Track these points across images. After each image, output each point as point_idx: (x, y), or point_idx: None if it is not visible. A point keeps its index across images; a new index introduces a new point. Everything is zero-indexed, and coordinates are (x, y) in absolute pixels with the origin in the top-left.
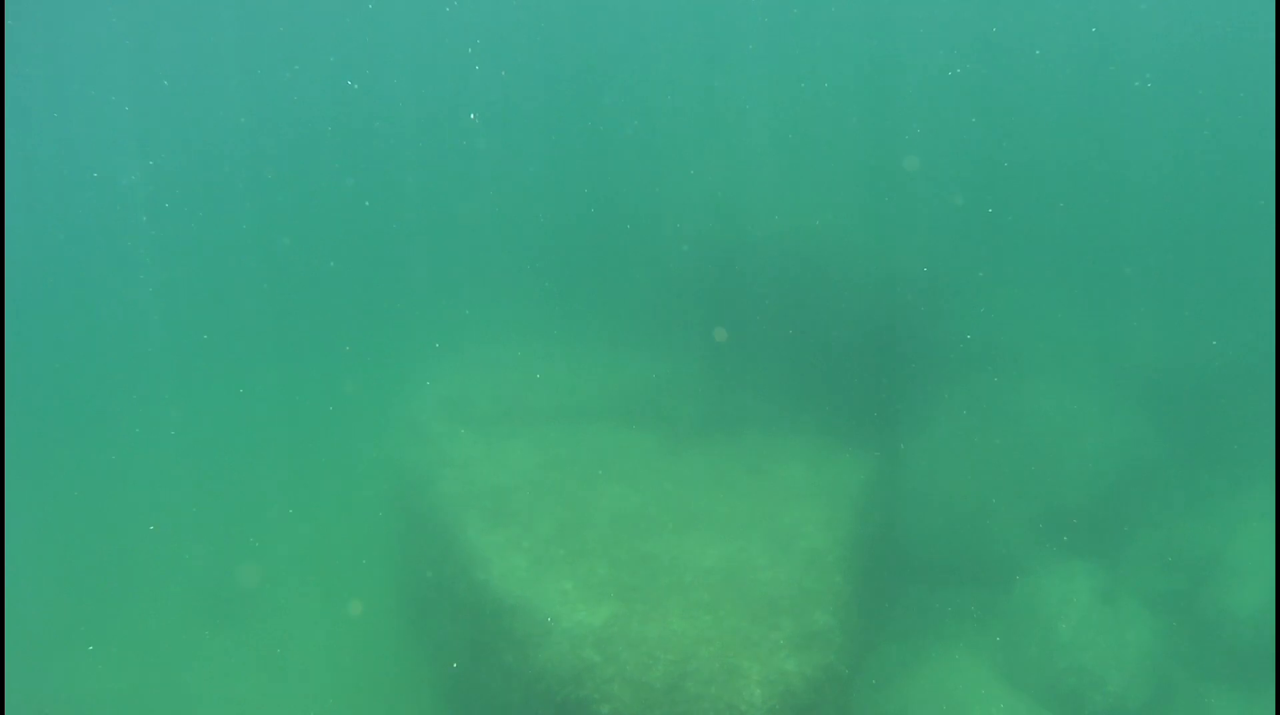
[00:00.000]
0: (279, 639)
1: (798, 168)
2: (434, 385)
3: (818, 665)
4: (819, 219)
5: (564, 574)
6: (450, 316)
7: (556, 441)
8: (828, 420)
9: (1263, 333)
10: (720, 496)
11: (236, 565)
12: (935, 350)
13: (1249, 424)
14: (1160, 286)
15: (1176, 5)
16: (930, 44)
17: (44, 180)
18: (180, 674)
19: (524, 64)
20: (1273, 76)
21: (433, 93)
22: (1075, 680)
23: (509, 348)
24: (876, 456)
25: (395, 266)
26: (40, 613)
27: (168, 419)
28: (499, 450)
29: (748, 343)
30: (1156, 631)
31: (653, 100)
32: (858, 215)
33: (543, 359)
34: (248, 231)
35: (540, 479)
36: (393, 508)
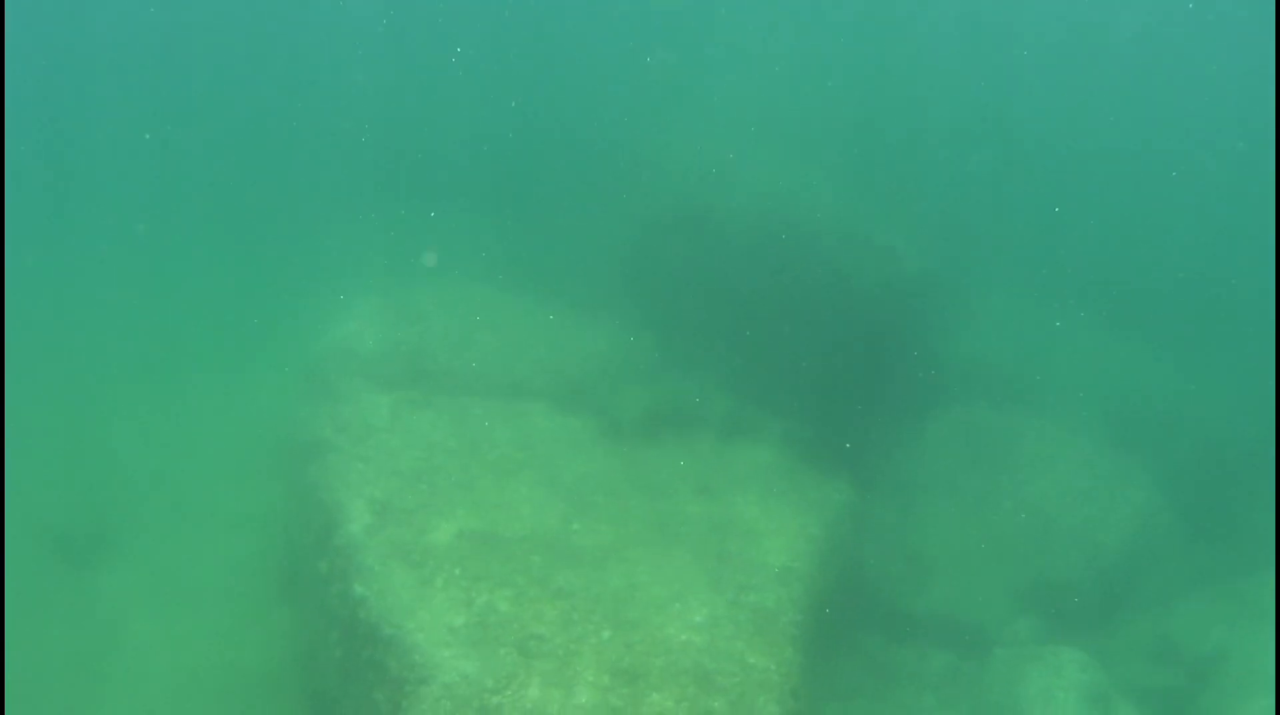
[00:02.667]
0: (126, 598)
1: (787, 134)
2: (346, 329)
3: None
4: (809, 194)
5: (456, 604)
6: (381, 249)
7: (477, 420)
8: (794, 432)
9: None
10: (659, 521)
11: (91, 505)
12: (927, 364)
13: (1263, 497)
14: (1182, 321)
15: None
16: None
17: None
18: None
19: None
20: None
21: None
22: None
23: (442, 297)
24: (847, 486)
25: (333, 183)
26: None
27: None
28: (406, 423)
29: (713, 329)
30: None
31: (640, 48)
32: (854, 197)
33: (479, 316)
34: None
35: (448, 467)
36: (272, 471)
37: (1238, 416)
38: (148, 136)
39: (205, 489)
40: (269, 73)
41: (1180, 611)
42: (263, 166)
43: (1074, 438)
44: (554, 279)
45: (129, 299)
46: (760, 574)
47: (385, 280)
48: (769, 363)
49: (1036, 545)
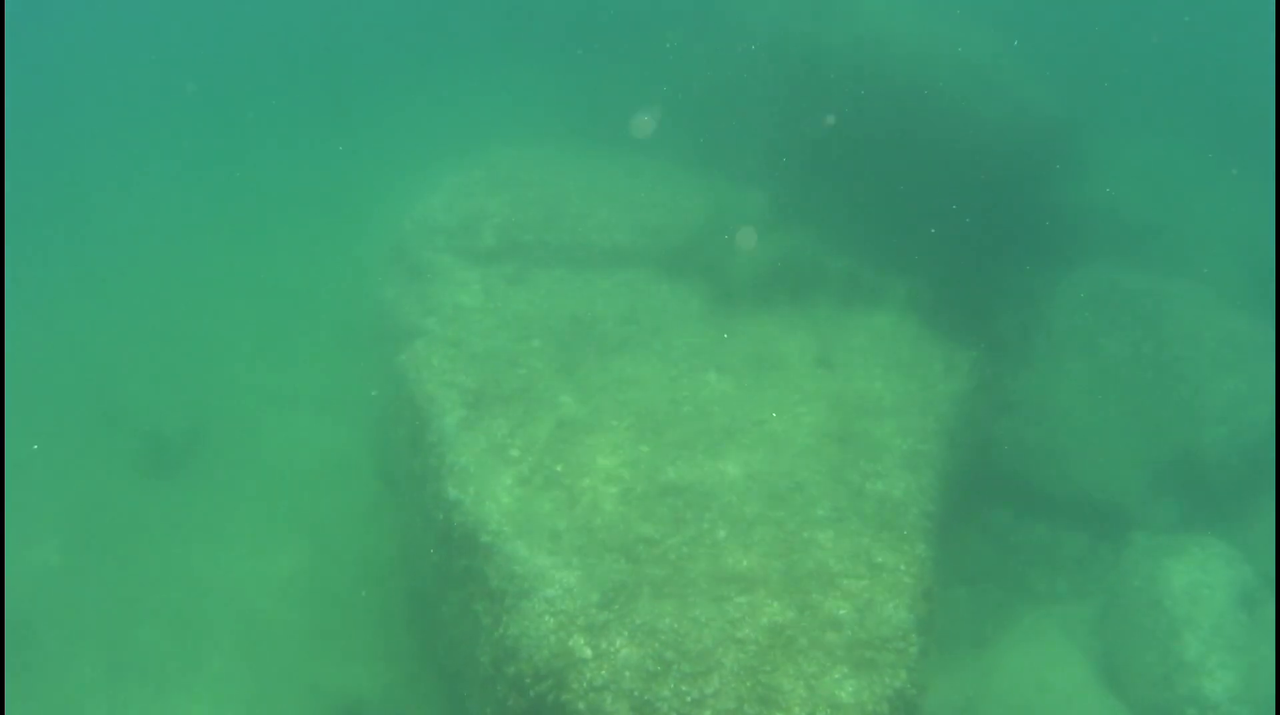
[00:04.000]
0: (228, 494)
1: None
2: (432, 201)
3: (881, 695)
4: (927, 26)
5: (559, 506)
6: (471, 108)
7: (575, 293)
8: (919, 294)
9: None
10: (777, 400)
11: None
12: (1061, 217)
13: None
14: None
15: None
16: None
17: None
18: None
19: None
20: None
21: None
22: None
23: (530, 160)
24: (976, 354)
25: (412, 45)
26: None
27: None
28: (499, 300)
29: (825, 180)
30: None
31: None
32: (977, 34)
33: (571, 179)
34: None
35: (547, 348)
36: (365, 358)
37: None
38: None
39: (299, 380)
40: None
41: None
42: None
43: (1218, 302)
44: (654, 131)
45: (208, 176)
46: (886, 458)
47: (471, 146)
48: (888, 217)
49: (1180, 418)
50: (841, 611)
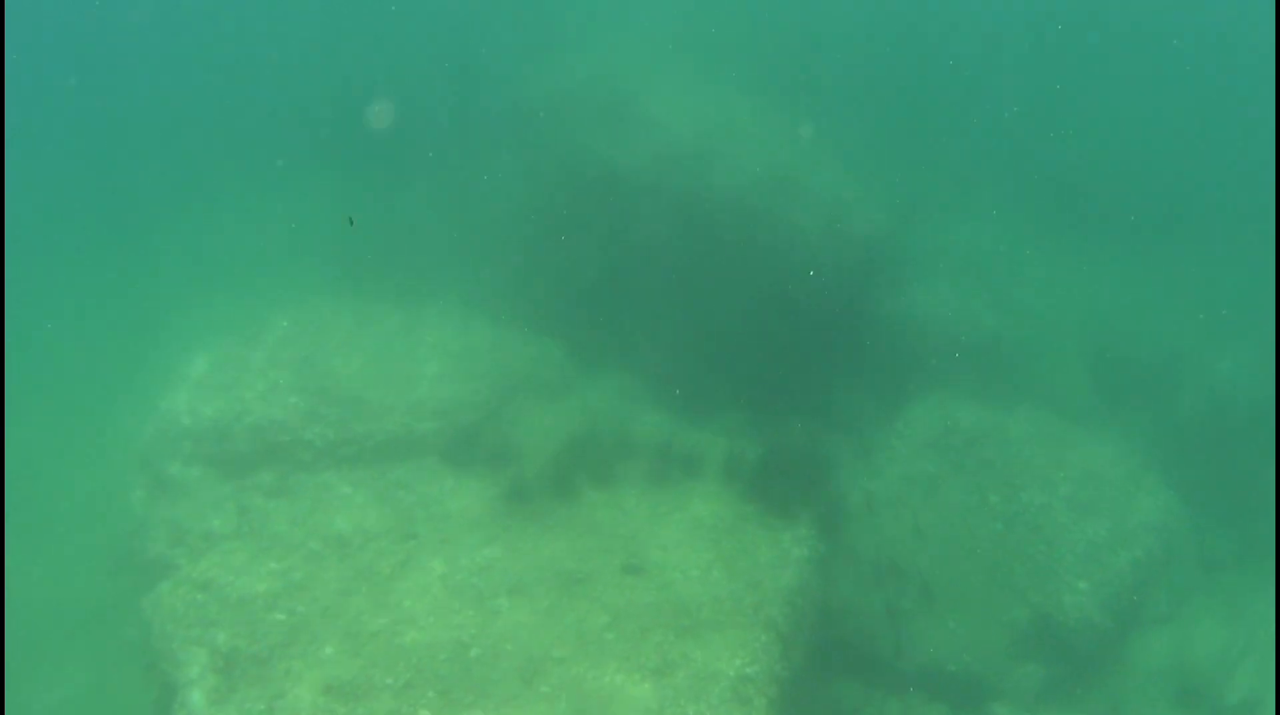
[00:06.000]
0: None
1: (702, 57)
2: (178, 396)
3: None
4: (735, 135)
5: None
6: (241, 243)
7: (344, 503)
8: (740, 455)
9: None
10: (581, 626)
11: None
12: (896, 338)
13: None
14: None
15: None
16: None
17: None
18: None
19: None
20: None
21: None
22: None
23: (297, 326)
24: (809, 528)
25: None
26: None
27: None
28: (256, 521)
29: (629, 321)
30: None
31: None
32: (786, 135)
33: (336, 351)
34: None
35: (312, 581)
36: (102, 603)
37: (1241, 359)
38: None
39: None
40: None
41: (1200, 645)
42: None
43: (1068, 431)
44: (424, 275)
45: None
46: (713, 689)
47: (233, 306)
48: (701, 359)
49: (1036, 576)
50: None
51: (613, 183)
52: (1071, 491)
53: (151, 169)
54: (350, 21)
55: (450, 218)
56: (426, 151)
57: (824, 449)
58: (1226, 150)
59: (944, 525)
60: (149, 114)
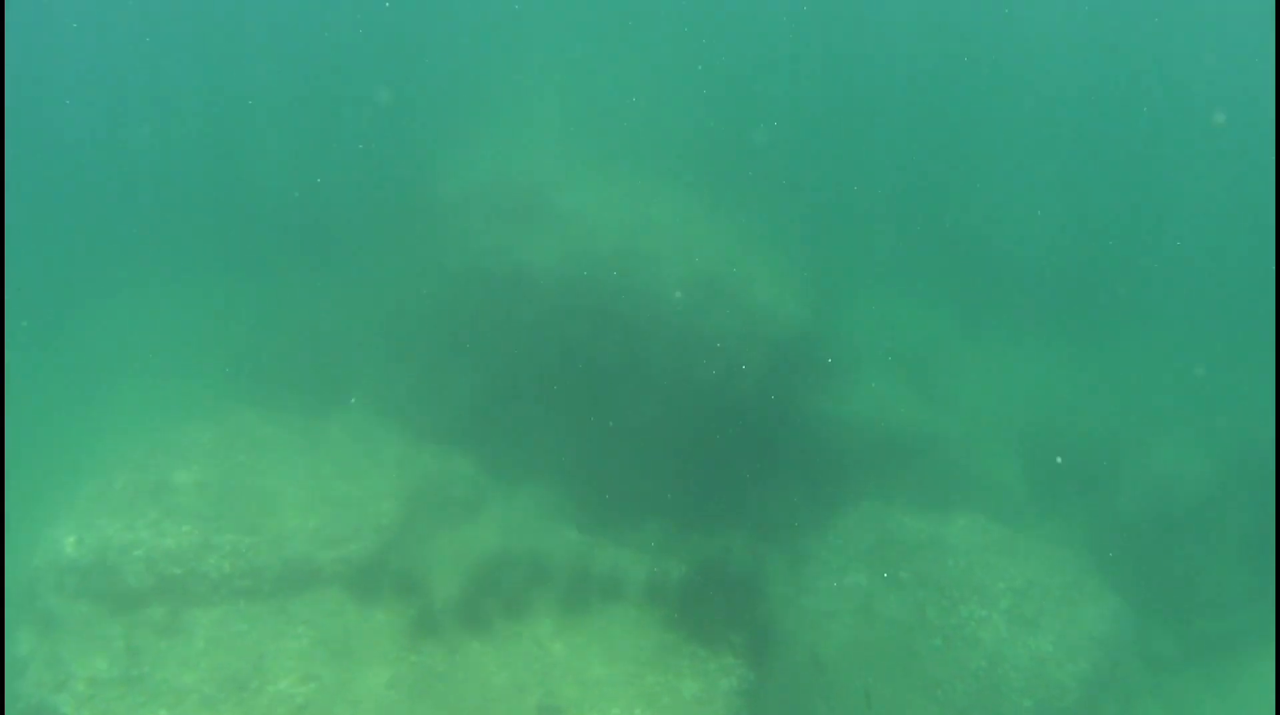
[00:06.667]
0: None
1: (616, 151)
2: (63, 527)
3: None
4: (649, 232)
5: None
6: (115, 388)
7: (239, 641)
8: (662, 576)
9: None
10: None
11: None
12: (825, 439)
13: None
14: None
15: None
16: None
17: None
18: None
19: None
20: None
21: None
22: None
23: (192, 443)
24: (736, 658)
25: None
26: None
27: None
28: (145, 663)
29: (542, 430)
30: None
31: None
32: (704, 228)
33: (241, 468)
34: None
35: None
36: None
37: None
38: None
39: None
40: None
41: None
42: None
43: (1006, 536)
44: (330, 384)
45: None
46: None
47: (112, 443)
48: (622, 467)
49: (978, 694)
50: None
51: (525, 283)
52: (1013, 604)
53: (32, 276)
54: (249, 118)
55: (358, 321)
56: (333, 251)
57: (752, 563)
58: (1162, 231)
59: (881, 642)
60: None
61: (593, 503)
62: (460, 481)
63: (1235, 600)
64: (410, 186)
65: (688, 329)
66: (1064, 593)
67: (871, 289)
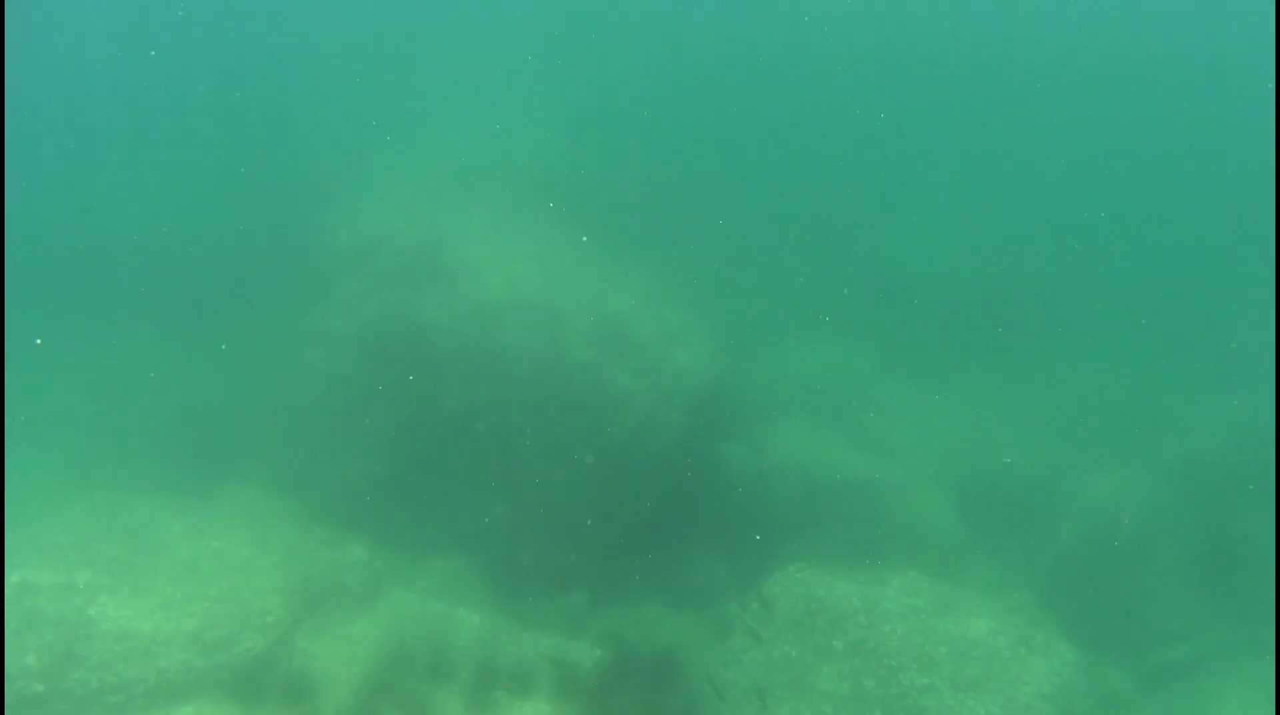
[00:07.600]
0: None
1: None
2: None
3: None
4: (552, 284)
5: None
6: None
7: None
8: (576, 664)
9: None
10: None
11: None
12: (753, 502)
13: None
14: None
15: None
16: None
17: None
18: None
19: None
20: None
21: None
22: None
23: (60, 542)
24: None
25: None
26: None
27: None
28: None
29: (442, 506)
30: None
31: None
32: (613, 277)
33: (114, 566)
34: None
35: None
36: None
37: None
38: None
39: None
40: None
41: None
42: None
43: (944, 594)
44: (213, 463)
45: None
46: None
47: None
48: (527, 539)
49: None
50: None
51: (422, 344)
52: (956, 668)
53: None
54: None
55: (242, 393)
56: (212, 317)
57: (671, 639)
58: (1082, 257)
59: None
60: None
61: (499, 576)
62: (354, 568)
63: (1188, 626)
64: (296, 245)
65: (596, 387)
66: (1010, 650)
67: (787, 331)
